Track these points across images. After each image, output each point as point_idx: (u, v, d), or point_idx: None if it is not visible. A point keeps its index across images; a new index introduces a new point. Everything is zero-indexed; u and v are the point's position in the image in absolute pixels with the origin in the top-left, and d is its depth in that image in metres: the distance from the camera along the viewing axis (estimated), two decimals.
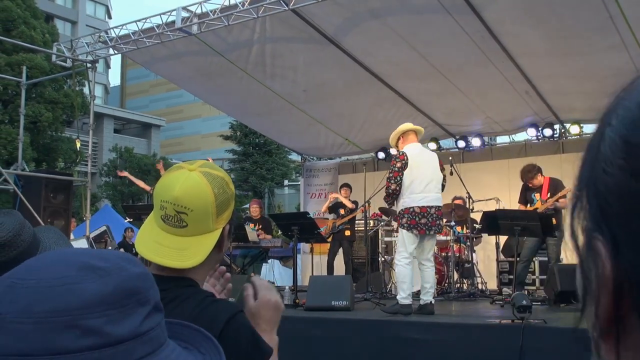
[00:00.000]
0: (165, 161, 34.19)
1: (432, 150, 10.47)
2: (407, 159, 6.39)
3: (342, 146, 13.00)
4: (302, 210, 13.52)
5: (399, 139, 6.77)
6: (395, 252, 9.03)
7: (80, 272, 0.73)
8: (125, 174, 10.38)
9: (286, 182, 31.10)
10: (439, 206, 6.48)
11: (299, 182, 15.26)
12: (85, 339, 0.69)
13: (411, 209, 6.32)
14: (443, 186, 6.69)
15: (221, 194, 1.51)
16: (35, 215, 8.93)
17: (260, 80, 10.47)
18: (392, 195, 6.46)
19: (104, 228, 10.17)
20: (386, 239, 10.10)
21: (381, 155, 12.72)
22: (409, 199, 6.35)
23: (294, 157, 24.61)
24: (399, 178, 6.37)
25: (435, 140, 12.13)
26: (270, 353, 1.51)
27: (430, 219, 6.34)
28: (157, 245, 1.51)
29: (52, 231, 1.96)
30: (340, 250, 10.36)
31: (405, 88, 10.52)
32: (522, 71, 9.28)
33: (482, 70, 9.24)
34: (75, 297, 0.71)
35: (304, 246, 11.87)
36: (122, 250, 8.56)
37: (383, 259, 9.86)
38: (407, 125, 6.83)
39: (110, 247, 9.42)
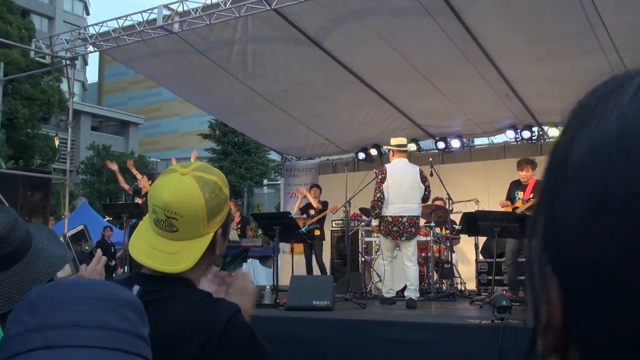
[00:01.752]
0: (143, 159, 34.04)
1: (415, 153, 10.69)
2: (386, 173, 7.37)
3: (322, 146, 13.01)
4: (282, 210, 13.52)
5: (390, 150, 7.75)
6: (374, 252, 9.26)
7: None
8: (115, 166, 10.25)
9: (265, 181, 31.04)
10: (412, 216, 7.40)
11: (279, 182, 15.27)
12: (125, 323, 0.87)
13: (385, 218, 7.32)
14: (427, 196, 7.63)
15: (213, 199, 1.51)
16: None
17: (242, 80, 10.45)
18: (376, 204, 7.34)
19: (81, 227, 10.04)
20: (366, 239, 10.13)
21: (361, 155, 12.75)
22: (386, 209, 7.31)
23: (274, 156, 24.59)
24: (381, 189, 7.32)
25: (415, 141, 12.19)
26: (267, 352, 1.52)
27: (401, 227, 7.29)
28: (150, 248, 1.52)
29: (43, 229, 1.95)
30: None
31: (385, 89, 10.56)
32: (502, 74, 9.37)
33: (462, 72, 9.30)
34: (114, 294, 0.90)
35: (284, 246, 11.85)
36: (99, 249, 8.48)
37: (363, 259, 9.90)
38: (401, 141, 7.85)
39: (87, 248, 9.32)
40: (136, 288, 1.50)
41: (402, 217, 7.27)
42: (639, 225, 0.36)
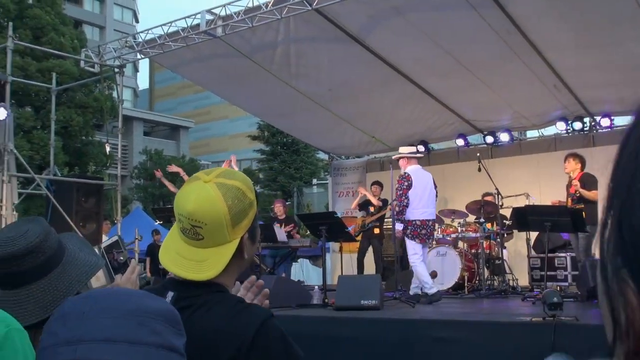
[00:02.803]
0: (194, 162, 34.54)
1: (463, 148, 10.51)
2: (412, 179, 7.67)
3: (369, 144, 12.96)
4: (330, 209, 13.53)
5: (401, 158, 8.03)
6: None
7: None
8: (160, 174, 10.40)
9: (314, 180, 31.09)
10: (434, 219, 8.01)
11: (327, 181, 15.26)
12: (154, 336, 0.87)
13: (413, 222, 7.64)
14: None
15: (236, 205, 1.51)
16: (68, 219, 9.06)
17: (286, 81, 10.50)
18: (404, 210, 7.69)
19: (115, 238, 10.27)
20: None
21: None
22: (411, 213, 7.64)
23: (322, 155, 24.63)
24: (407, 195, 7.64)
25: (463, 136, 12.04)
26: (301, 357, 1.52)
27: (428, 230, 7.76)
28: (178, 256, 1.54)
29: (75, 238, 1.99)
30: (370, 248, 10.34)
31: (430, 84, 10.46)
32: (549, 65, 9.16)
33: (508, 64, 9.14)
34: (145, 305, 0.90)
35: (333, 245, 11.87)
36: (133, 260, 8.68)
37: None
38: (412, 149, 8.45)
39: (121, 258, 9.50)
40: (170, 294, 1.52)
41: (429, 220, 7.77)
42: None
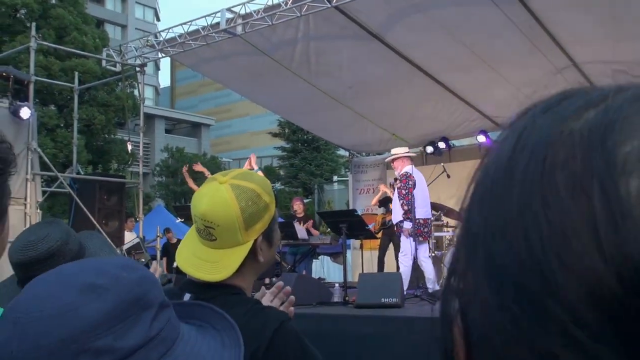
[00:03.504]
0: (215, 160, 34.71)
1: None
2: (415, 179, 7.93)
3: (389, 141, 12.91)
4: (351, 206, 13.51)
5: (397, 159, 8.26)
6: (445, 247, 9.16)
7: (81, 295, 0.75)
8: (186, 169, 10.25)
9: (335, 177, 31.10)
10: (431, 218, 8.42)
11: (348, 178, 15.25)
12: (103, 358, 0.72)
13: (417, 220, 7.81)
14: None
15: (249, 207, 1.51)
16: (90, 217, 9.16)
17: (306, 78, 10.50)
18: (412, 209, 7.82)
19: (137, 240, 10.36)
20: (436, 234, 9.98)
21: (429, 149, 12.59)
22: (415, 212, 7.78)
23: (342, 152, 24.61)
24: (413, 194, 7.83)
25: (484, 132, 11.94)
26: (319, 359, 1.52)
27: (429, 228, 8.11)
28: (193, 257, 1.55)
29: (96, 237, 2.01)
30: (391, 245, 10.31)
31: (451, 81, 10.39)
32: (572, 59, 9.05)
33: (530, 59, 9.04)
34: (79, 322, 0.73)
35: (354, 242, 11.85)
36: (154, 261, 8.70)
37: (433, 254, 9.75)
38: (404, 149, 8.55)
39: (142, 260, 9.57)
40: (187, 296, 1.53)
41: (428, 219, 8.12)
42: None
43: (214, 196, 1.51)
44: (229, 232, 1.50)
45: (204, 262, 1.53)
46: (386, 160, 8.78)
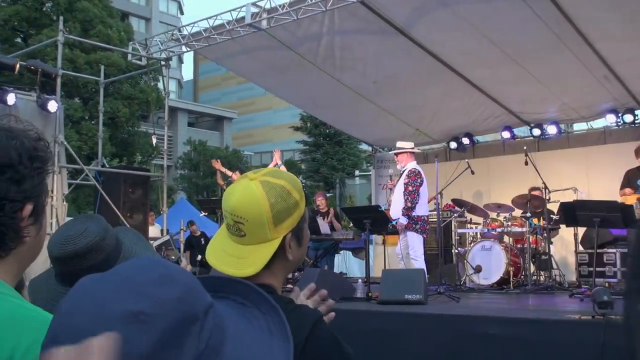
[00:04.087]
0: (237, 153, 34.85)
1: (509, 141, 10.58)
2: (422, 175, 8.00)
3: (413, 136, 12.82)
4: (373, 201, 13.48)
5: (402, 153, 8.25)
6: (468, 244, 9.09)
7: (124, 327, 0.68)
8: (218, 165, 10.22)
9: (357, 172, 31.06)
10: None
11: (370, 172, 15.22)
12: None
13: (423, 217, 7.94)
14: None
15: (278, 203, 1.51)
16: (116, 210, 9.23)
17: (330, 73, 10.49)
18: (415, 206, 7.87)
19: (167, 238, 10.38)
20: (459, 230, 9.95)
21: (453, 145, 12.53)
22: (421, 209, 7.92)
23: (364, 147, 24.56)
24: (419, 192, 7.89)
25: (509, 128, 11.84)
26: (352, 357, 1.51)
27: (429, 224, 8.19)
28: (222, 252, 1.56)
29: (131, 232, 2.03)
30: None
31: (476, 77, 10.32)
32: (599, 56, 8.94)
33: (557, 55, 8.95)
34: (128, 358, 0.67)
35: (376, 237, 11.83)
36: (184, 260, 8.68)
37: (457, 250, 9.73)
38: (410, 144, 8.52)
39: (173, 257, 9.61)
40: None
41: (427, 215, 8.19)
42: None
43: (243, 192, 1.51)
44: (258, 228, 1.50)
45: (231, 257, 1.53)
46: (391, 152, 8.80)
